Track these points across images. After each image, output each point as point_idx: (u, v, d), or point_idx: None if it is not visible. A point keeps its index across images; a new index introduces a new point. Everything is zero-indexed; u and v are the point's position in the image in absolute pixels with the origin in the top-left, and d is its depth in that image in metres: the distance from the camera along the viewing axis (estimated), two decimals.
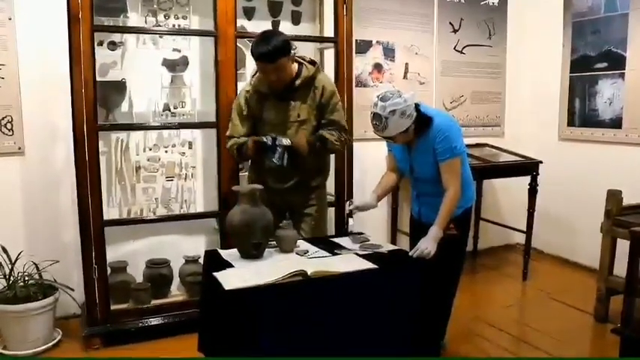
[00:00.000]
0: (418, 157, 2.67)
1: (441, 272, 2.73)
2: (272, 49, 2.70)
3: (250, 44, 3.83)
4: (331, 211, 3.48)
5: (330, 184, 3.41)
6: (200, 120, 3.70)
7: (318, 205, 3.10)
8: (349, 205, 2.77)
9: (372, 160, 4.19)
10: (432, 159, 2.60)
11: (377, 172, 4.15)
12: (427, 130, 2.57)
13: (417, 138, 2.61)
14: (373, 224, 3.44)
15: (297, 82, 2.88)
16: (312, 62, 2.98)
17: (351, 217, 2.80)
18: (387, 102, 2.42)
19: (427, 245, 2.48)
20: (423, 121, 2.54)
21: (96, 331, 3.11)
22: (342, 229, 3.44)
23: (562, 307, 3.79)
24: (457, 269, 2.86)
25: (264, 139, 2.81)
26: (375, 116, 2.47)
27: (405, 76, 4.49)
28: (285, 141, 2.80)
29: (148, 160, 3.65)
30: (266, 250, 2.51)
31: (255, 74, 2.97)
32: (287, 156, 2.79)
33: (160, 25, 3.56)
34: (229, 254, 2.51)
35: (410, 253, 2.51)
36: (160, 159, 3.68)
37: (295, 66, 2.90)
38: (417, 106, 2.53)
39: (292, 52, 2.81)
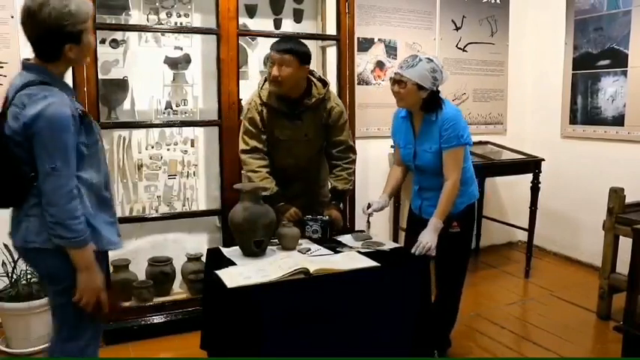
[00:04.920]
0: (423, 143, 2.64)
1: (447, 269, 2.74)
2: (289, 45, 2.69)
3: (252, 42, 3.88)
4: None
5: None
6: (202, 118, 3.70)
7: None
8: (367, 208, 2.74)
9: (374, 157, 4.20)
10: (437, 147, 2.58)
11: (379, 168, 4.17)
12: (435, 113, 2.56)
13: (422, 120, 2.61)
14: (375, 222, 3.44)
15: (308, 101, 2.81)
16: (322, 81, 2.91)
17: (369, 221, 2.81)
18: (430, 56, 2.54)
19: (427, 239, 2.49)
20: (435, 100, 2.56)
21: None
22: (346, 226, 3.46)
23: (564, 304, 3.79)
24: (462, 266, 2.85)
25: (308, 220, 2.74)
26: (413, 55, 2.54)
27: None
28: (326, 217, 2.77)
29: (150, 158, 3.66)
30: (268, 247, 2.52)
31: (264, 84, 2.86)
32: (327, 230, 2.73)
33: (162, 23, 3.56)
34: (231, 252, 2.52)
35: (412, 250, 2.51)
36: (162, 157, 3.68)
37: (304, 82, 2.81)
38: (437, 92, 2.58)
39: (307, 66, 2.76)
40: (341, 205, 3.09)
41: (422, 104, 2.56)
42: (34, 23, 1.78)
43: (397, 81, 2.53)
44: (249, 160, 2.88)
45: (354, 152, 3.05)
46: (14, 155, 1.77)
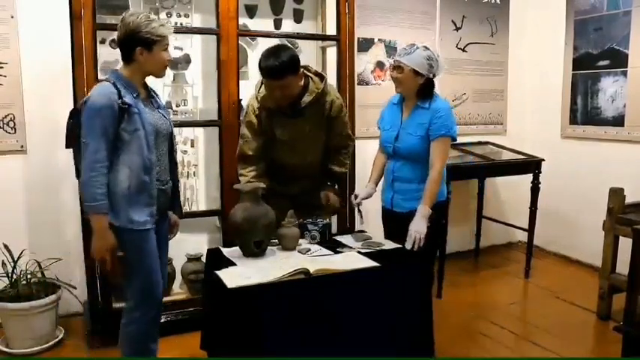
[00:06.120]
0: (409, 127, 2.70)
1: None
2: (279, 65, 2.58)
3: (252, 43, 3.88)
4: None
5: None
6: (202, 118, 3.70)
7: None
8: (355, 199, 2.81)
9: (373, 157, 4.19)
10: (422, 133, 2.64)
11: None
12: (429, 101, 2.66)
13: (413, 107, 2.69)
14: (375, 222, 3.43)
15: (306, 99, 2.78)
16: (319, 75, 2.88)
17: (360, 210, 2.84)
18: (427, 45, 2.71)
19: (416, 228, 2.52)
20: (429, 89, 2.67)
21: (98, 330, 3.11)
22: (346, 226, 3.50)
23: (564, 305, 3.79)
24: (430, 258, 2.78)
25: (308, 224, 2.72)
26: (411, 44, 2.70)
27: None
28: (326, 220, 2.76)
29: None
30: (268, 248, 2.52)
31: (260, 87, 2.84)
32: (326, 234, 2.72)
33: None
34: (231, 252, 2.52)
35: (405, 246, 2.53)
36: None
37: (301, 79, 2.77)
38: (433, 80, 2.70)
39: (300, 70, 2.72)
40: (336, 186, 3.12)
41: (418, 89, 2.66)
42: (121, 27, 2.21)
43: (396, 67, 2.68)
44: (240, 166, 2.93)
45: (352, 140, 3.14)
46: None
